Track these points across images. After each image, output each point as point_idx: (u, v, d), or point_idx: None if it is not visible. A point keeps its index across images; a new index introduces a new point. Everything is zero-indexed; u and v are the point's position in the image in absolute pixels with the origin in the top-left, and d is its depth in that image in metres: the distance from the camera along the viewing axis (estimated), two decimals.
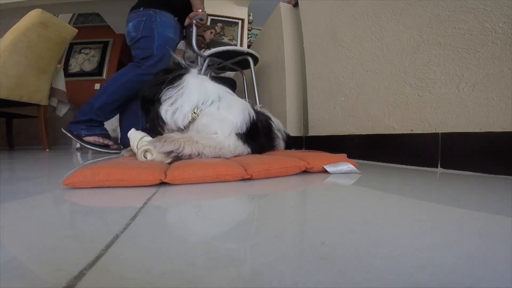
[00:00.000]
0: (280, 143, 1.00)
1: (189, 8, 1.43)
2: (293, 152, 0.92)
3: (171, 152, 0.61)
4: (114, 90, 1.35)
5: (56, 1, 2.90)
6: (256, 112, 0.88)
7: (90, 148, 1.38)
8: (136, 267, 0.18)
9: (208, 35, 2.42)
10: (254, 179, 0.55)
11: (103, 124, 1.46)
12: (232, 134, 0.72)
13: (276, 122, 1.05)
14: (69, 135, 1.39)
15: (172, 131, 0.73)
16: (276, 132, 1.00)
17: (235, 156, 0.72)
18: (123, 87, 1.35)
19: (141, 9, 1.35)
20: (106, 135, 1.43)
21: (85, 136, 1.37)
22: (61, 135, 2.75)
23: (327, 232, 0.25)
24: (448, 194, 0.43)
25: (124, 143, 1.47)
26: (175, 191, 0.46)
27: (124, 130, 1.54)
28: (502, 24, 0.59)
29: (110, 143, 1.43)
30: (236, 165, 0.56)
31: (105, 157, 1.18)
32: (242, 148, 0.74)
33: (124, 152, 0.79)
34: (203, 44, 2.38)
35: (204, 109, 0.73)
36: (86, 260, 0.19)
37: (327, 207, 0.35)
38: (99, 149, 1.39)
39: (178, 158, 0.63)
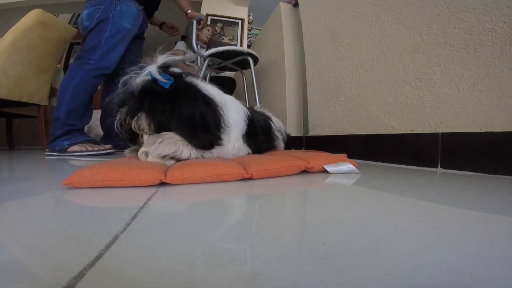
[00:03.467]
0: (280, 144, 1.00)
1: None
2: (293, 152, 0.92)
3: (166, 155, 0.58)
4: (71, 96, 1.21)
5: (56, 1, 2.91)
6: (254, 111, 0.88)
7: (78, 158, 1.19)
8: (136, 267, 0.18)
9: (205, 34, 2.40)
10: (254, 179, 0.55)
11: (83, 131, 1.33)
12: (239, 138, 0.71)
13: (276, 122, 1.04)
14: (53, 154, 1.24)
15: None
16: (276, 132, 0.99)
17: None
18: (78, 89, 1.22)
19: None
20: (90, 141, 1.30)
21: (68, 146, 1.23)
22: None
23: (327, 232, 0.25)
24: (448, 194, 0.43)
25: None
26: (175, 191, 0.46)
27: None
28: (502, 24, 0.59)
29: (99, 147, 1.29)
30: (236, 165, 0.56)
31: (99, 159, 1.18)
32: (244, 149, 0.73)
33: (127, 152, 0.79)
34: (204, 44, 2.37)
35: None
36: (86, 260, 0.19)
37: (327, 207, 0.35)
38: (88, 156, 1.23)
39: (176, 160, 0.61)
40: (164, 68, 0.63)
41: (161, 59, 0.64)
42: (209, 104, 0.63)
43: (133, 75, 0.63)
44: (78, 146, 1.23)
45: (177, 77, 0.64)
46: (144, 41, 1.60)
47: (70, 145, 1.23)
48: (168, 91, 0.60)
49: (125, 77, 0.64)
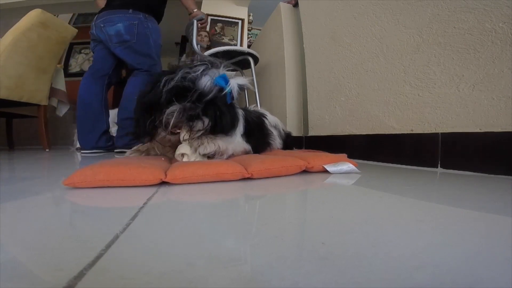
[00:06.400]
0: (275, 140, 1.01)
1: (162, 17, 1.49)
2: (293, 151, 0.92)
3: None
4: None
5: (56, 1, 2.91)
6: (247, 110, 0.93)
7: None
8: (136, 267, 0.18)
9: (205, 42, 2.38)
10: (254, 179, 0.55)
11: None
12: (239, 135, 0.78)
13: (271, 119, 1.05)
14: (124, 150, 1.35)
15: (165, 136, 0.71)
16: (270, 128, 1.00)
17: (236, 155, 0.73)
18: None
19: (130, 11, 1.32)
20: None
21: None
22: (61, 135, 2.77)
23: (327, 232, 0.25)
24: (448, 194, 0.43)
25: (82, 145, 1.41)
26: (176, 190, 0.46)
27: (82, 132, 1.43)
28: (502, 24, 0.59)
29: None
30: (236, 164, 0.56)
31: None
32: (245, 144, 0.78)
33: (128, 153, 0.79)
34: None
35: None
36: (86, 260, 0.19)
37: (327, 207, 0.35)
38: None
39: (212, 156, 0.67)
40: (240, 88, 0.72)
41: (244, 81, 0.74)
42: (238, 115, 0.77)
43: (205, 67, 0.66)
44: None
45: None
46: None
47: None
48: (226, 104, 0.69)
49: (202, 68, 0.66)
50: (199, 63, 0.68)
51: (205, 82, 0.64)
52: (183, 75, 0.64)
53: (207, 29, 2.64)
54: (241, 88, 0.73)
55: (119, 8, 1.33)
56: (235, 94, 0.69)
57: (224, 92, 0.66)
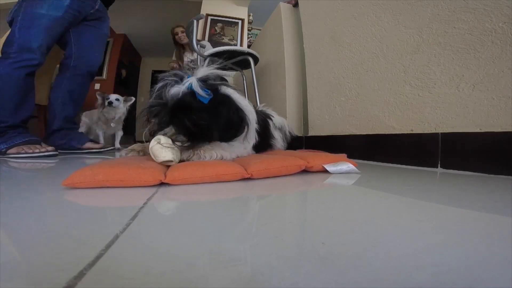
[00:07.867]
0: (277, 142, 1.00)
1: None
2: (293, 151, 0.92)
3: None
4: None
5: None
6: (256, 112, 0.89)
7: (21, 160, 1.07)
8: (136, 267, 0.18)
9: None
10: (254, 179, 0.55)
11: (26, 129, 1.26)
12: (251, 144, 0.75)
13: (277, 121, 1.04)
14: None
15: None
16: (273, 131, 0.99)
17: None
18: (4, 84, 1.16)
19: None
20: (31, 141, 1.20)
21: (6, 149, 1.14)
22: None
23: (327, 232, 0.25)
24: (448, 194, 0.43)
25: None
26: (175, 191, 0.46)
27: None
28: (502, 24, 0.59)
29: (40, 148, 1.18)
30: (236, 165, 0.56)
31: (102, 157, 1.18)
32: (250, 150, 0.77)
33: (123, 152, 0.79)
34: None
35: None
36: (86, 260, 0.19)
37: (327, 207, 0.35)
38: (29, 158, 1.11)
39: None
40: (204, 81, 0.62)
41: (203, 71, 0.64)
42: (242, 117, 0.67)
43: (168, 82, 0.61)
44: (15, 149, 1.15)
45: (214, 89, 0.63)
46: (105, 24, 1.51)
47: (7, 148, 1.15)
48: (205, 106, 0.60)
49: (159, 85, 0.62)
50: (161, 83, 0.63)
51: (174, 93, 0.60)
52: (154, 100, 0.62)
53: (207, 29, 2.63)
54: (204, 80, 0.62)
55: None
56: (198, 91, 0.59)
57: (185, 94, 0.59)
